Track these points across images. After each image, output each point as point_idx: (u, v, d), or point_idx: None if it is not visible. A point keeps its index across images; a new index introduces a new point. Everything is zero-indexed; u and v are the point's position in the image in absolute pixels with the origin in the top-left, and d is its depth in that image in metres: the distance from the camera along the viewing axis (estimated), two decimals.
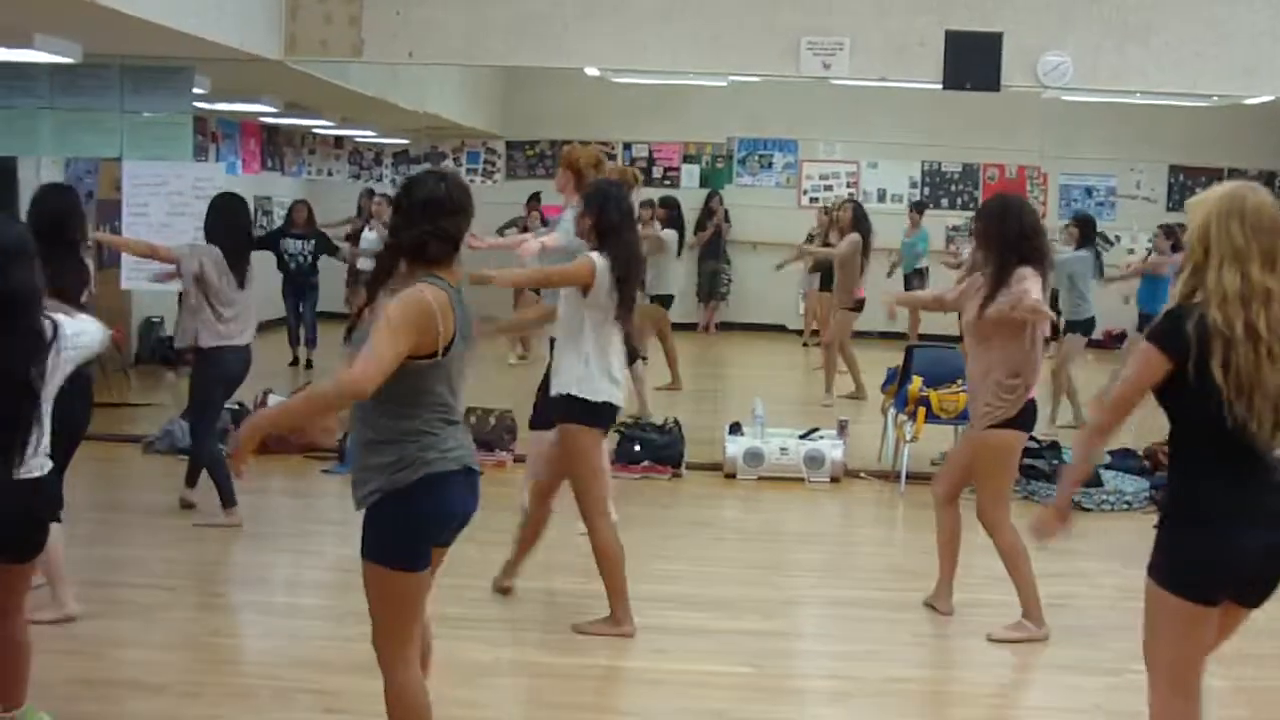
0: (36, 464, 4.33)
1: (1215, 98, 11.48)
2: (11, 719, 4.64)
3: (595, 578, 6.76)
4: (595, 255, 5.98)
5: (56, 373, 4.37)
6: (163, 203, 9.44)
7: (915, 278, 17.09)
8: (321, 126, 16.16)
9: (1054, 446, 9.56)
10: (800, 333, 17.95)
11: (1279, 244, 3.72)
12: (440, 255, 4.03)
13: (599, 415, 6.12)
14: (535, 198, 17.59)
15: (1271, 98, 10.22)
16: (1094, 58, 9.38)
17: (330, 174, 18.68)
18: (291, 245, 14.12)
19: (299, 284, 14.29)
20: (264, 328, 14.51)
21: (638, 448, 9.72)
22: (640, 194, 10.09)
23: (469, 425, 9.69)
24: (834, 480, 9.58)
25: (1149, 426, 10.86)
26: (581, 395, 6.04)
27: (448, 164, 19.05)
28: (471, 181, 18.58)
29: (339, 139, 18.48)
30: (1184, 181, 19.06)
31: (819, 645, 6.48)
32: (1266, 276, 3.70)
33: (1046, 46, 9.31)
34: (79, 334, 4.51)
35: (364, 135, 17.74)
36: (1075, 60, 9.33)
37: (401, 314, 3.90)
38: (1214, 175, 18.90)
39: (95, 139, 9.57)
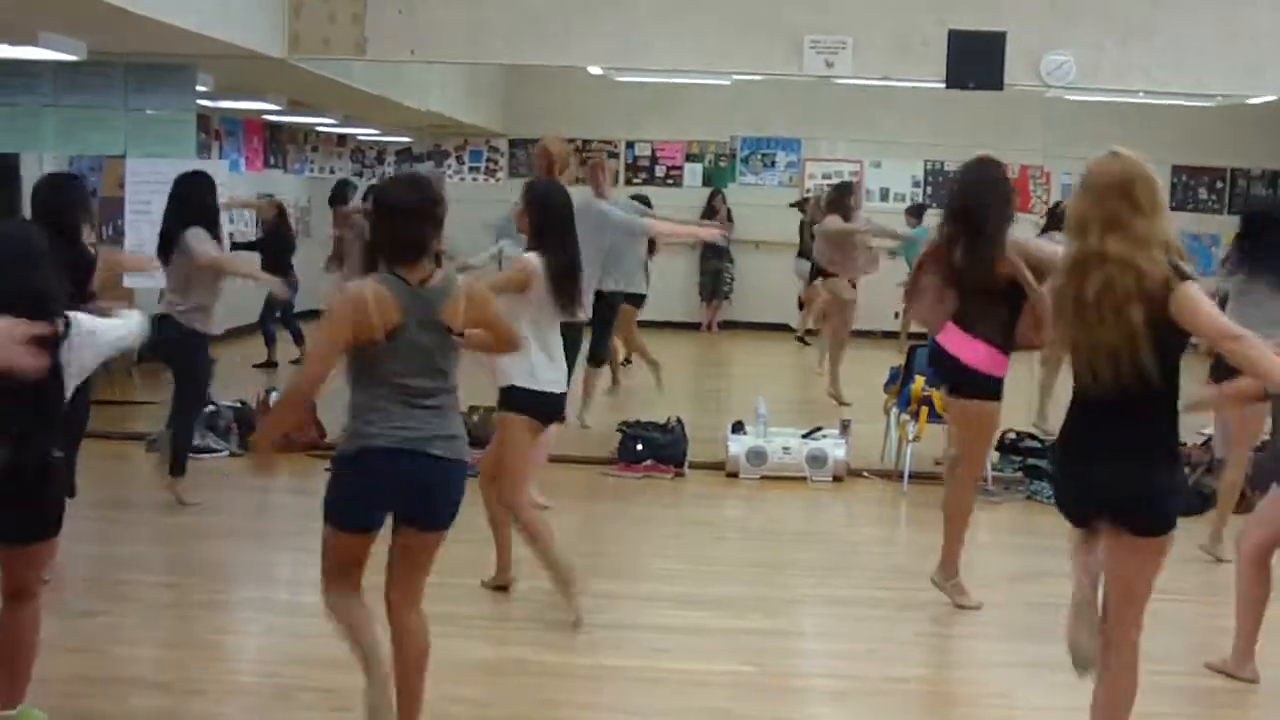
0: (54, 448, 4.50)
1: (1218, 97, 11.47)
2: (9, 717, 4.66)
3: (595, 576, 6.77)
4: (531, 256, 6.25)
5: (72, 366, 4.47)
6: (165, 200, 9.43)
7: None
8: (324, 124, 16.18)
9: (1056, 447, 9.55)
10: (790, 328, 17.92)
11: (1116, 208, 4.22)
12: (406, 256, 4.40)
13: (538, 405, 6.33)
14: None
15: (1274, 97, 10.22)
16: (1097, 57, 9.38)
17: (333, 172, 18.68)
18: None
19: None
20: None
21: (640, 447, 9.73)
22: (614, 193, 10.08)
23: (471, 423, 9.81)
24: (836, 479, 9.58)
25: None
26: (524, 386, 6.28)
27: (428, 166, 19.05)
28: (474, 180, 18.70)
29: (342, 137, 18.50)
30: (1187, 181, 19.04)
31: (820, 644, 6.48)
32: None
33: (1049, 46, 9.31)
34: (108, 330, 4.63)
35: (367, 133, 17.76)
36: (1078, 59, 9.32)
37: (333, 310, 4.43)
38: (1217, 175, 18.93)
39: (99, 136, 9.58)
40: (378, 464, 4.43)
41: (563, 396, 6.56)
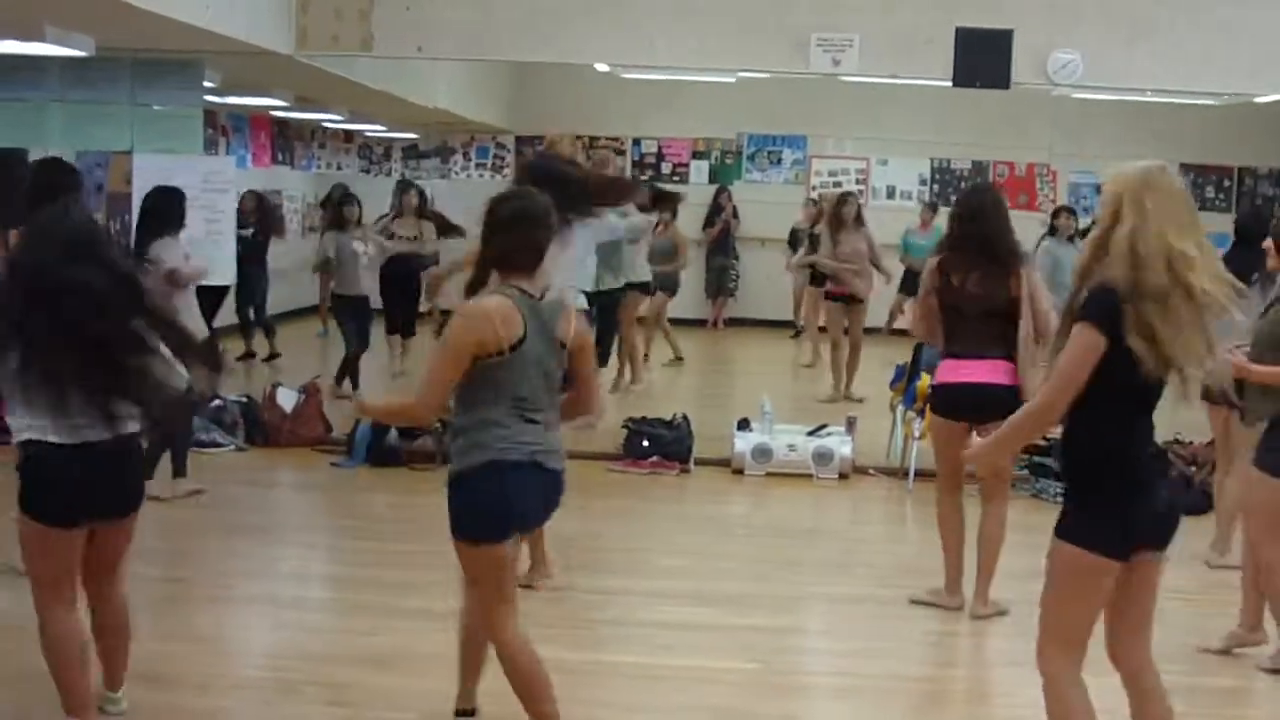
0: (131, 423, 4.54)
1: (1226, 96, 11.46)
2: (115, 700, 4.86)
3: (601, 573, 6.78)
4: None
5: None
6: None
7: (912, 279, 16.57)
8: (331, 121, 16.19)
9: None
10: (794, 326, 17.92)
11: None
12: (523, 265, 4.41)
13: None
14: None
15: None
16: (1104, 55, 9.37)
17: (340, 168, 18.70)
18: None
19: (248, 275, 13.30)
20: (284, 318, 14.59)
21: (646, 443, 9.73)
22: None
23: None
24: (842, 477, 9.58)
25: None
26: None
27: (434, 162, 19.06)
28: (480, 176, 18.71)
29: (349, 133, 18.50)
30: (1194, 180, 18.99)
31: (825, 642, 6.49)
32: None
33: (1056, 44, 9.30)
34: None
35: (373, 129, 17.76)
36: (1085, 58, 9.32)
37: (455, 332, 4.36)
38: (1224, 174, 18.91)
39: (106, 132, 9.60)
40: (512, 476, 4.40)
41: None
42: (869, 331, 13.58)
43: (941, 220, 17.37)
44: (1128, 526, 3.93)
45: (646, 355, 13.40)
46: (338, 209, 12.55)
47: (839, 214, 12.82)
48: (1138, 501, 3.95)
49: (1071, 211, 12.93)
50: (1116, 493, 3.94)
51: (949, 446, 6.51)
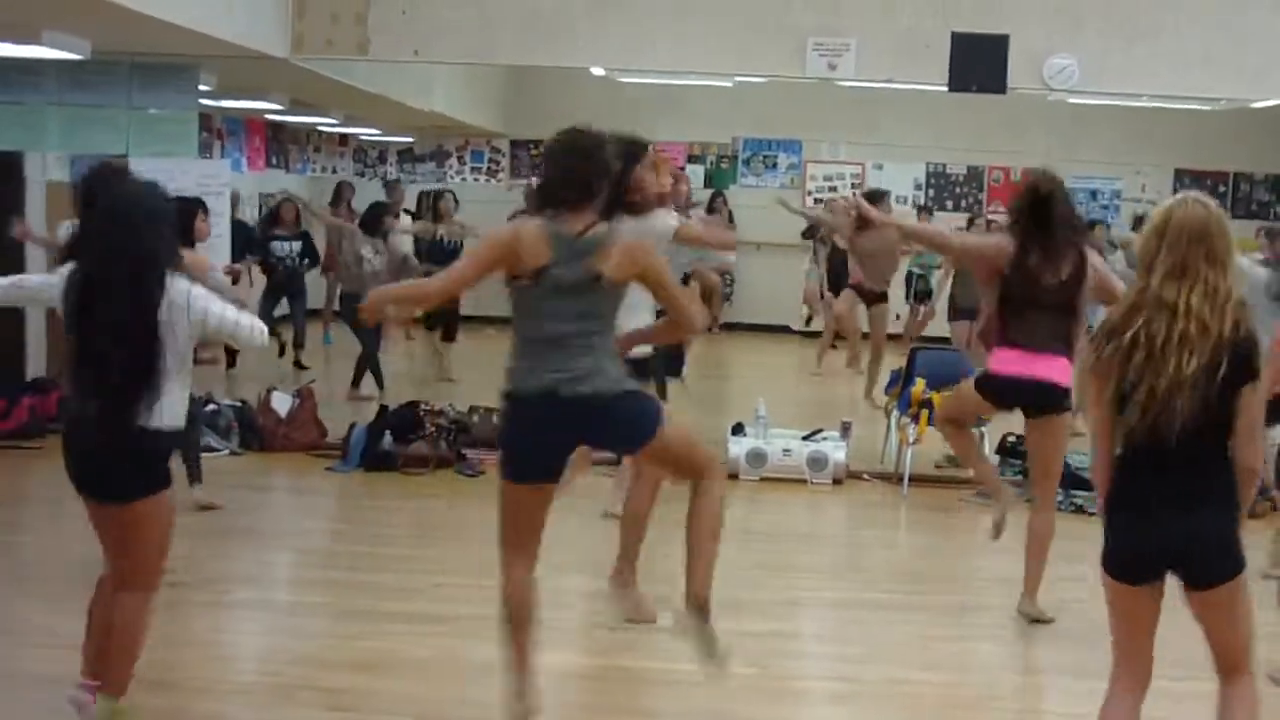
0: (155, 416, 4.49)
1: (1222, 101, 11.47)
2: (118, 710, 4.73)
3: (596, 577, 6.76)
4: None
5: (174, 328, 4.50)
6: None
7: (922, 295, 16.24)
8: (326, 124, 16.18)
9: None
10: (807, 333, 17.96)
11: (1189, 256, 3.93)
12: (567, 199, 4.47)
13: None
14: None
15: (1278, 101, 10.22)
16: (1100, 60, 9.38)
17: (334, 171, 18.68)
18: (279, 247, 13.47)
19: (288, 286, 13.65)
20: (281, 320, 14.54)
21: None
22: None
23: (472, 423, 9.83)
24: (836, 482, 9.58)
25: None
26: None
27: (430, 166, 19.08)
28: (476, 180, 18.70)
29: (344, 137, 18.49)
30: (1190, 185, 18.99)
31: (822, 646, 6.48)
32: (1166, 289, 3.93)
33: (1053, 49, 9.31)
34: (212, 307, 4.61)
35: (369, 133, 17.76)
36: (1081, 63, 9.33)
37: (483, 241, 4.65)
38: (1220, 179, 18.92)
39: (102, 135, 9.59)
40: (526, 408, 4.51)
41: None
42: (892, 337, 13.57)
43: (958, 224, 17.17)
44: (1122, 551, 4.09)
45: None
46: (378, 216, 12.60)
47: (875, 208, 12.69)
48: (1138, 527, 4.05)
49: (1106, 225, 12.84)
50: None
51: (972, 402, 6.65)
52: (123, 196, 4.68)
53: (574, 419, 4.50)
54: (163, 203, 4.70)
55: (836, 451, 9.67)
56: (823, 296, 15.36)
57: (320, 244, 14.49)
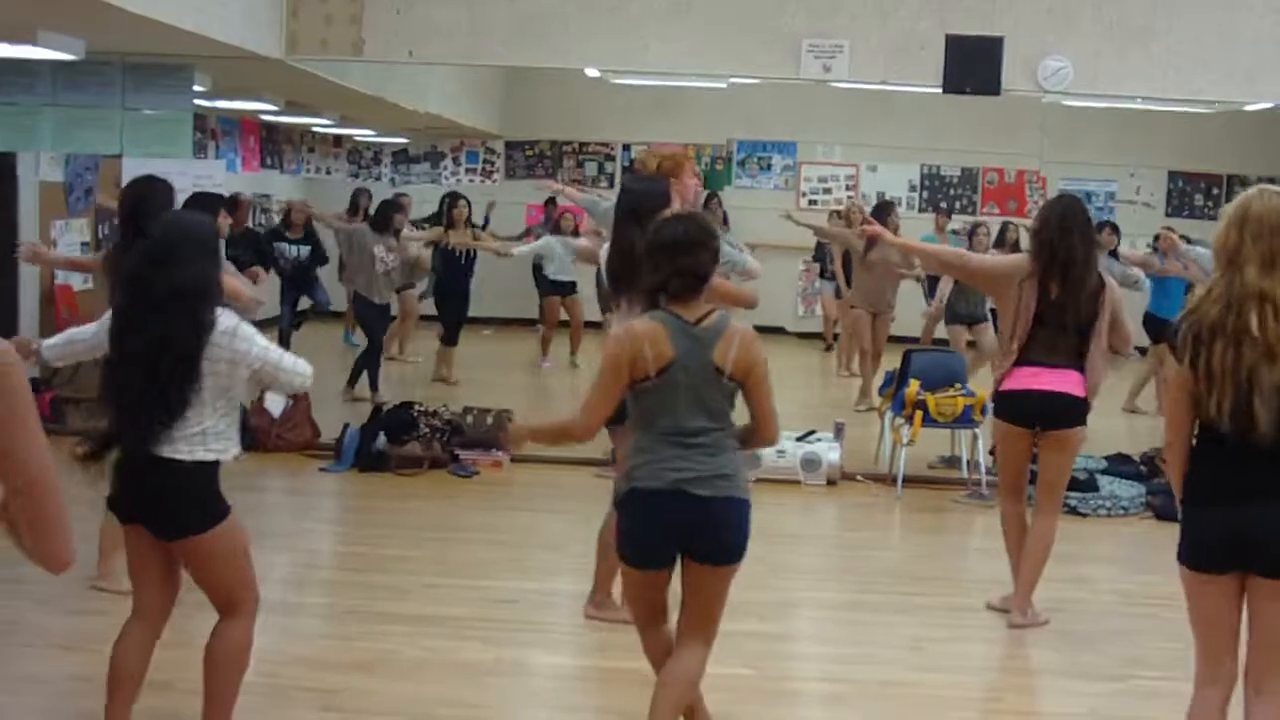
0: (200, 448, 4.45)
1: (1215, 104, 11.48)
2: None
3: (589, 578, 6.77)
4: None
5: (216, 366, 4.44)
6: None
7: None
8: (321, 125, 16.16)
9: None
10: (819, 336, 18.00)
11: (1276, 245, 3.92)
12: (681, 291, 4.44)
13: None
14: (552, 201, 17.51)
15: (1271, 104, 10.24)
16: (1094, 62, 9.39)
17: (329, 172, 18.68)
18: (286, 250, 13.46)
19: (300, 283, 13.69)
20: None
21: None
22: None
23: (466, 424, 9.83)
24: (830, 483, 9.58)
25: (1143, 432, 10.91)
26: None
27: (424, 167, 19.07)
28: (470, 181, 18.70)
29: (338, 138, 18.48)
30: (1183, 187, 19.07)
31: (815, 648, 6.49)
32: (1263, 279, 3.91)
33: (1047, 51, 9.32)
34: (258, 346, 4.54)
35: (363, 134, 17.75)
36: (1075, 65, 9.33)
37: (606, 358, 4.52)
38: (1213, 181, 18.96)
39: (96, 136, 9.57)
40: (646, 505, 4.46)
41: None
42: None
43: (925, 226, 17.34)
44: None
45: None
46: (388, 213, 12.57)
47: (883, 223, 12.60)
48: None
49: (1115, 228, 12.81)
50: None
51: (1014, 452, 6.63)
52: (176, 227, 4.66)
53: (693, 518, 4.47)
54: (212, 235, 4.72)
55: (830, 453, 9.68)
56: (839, 296, 15.30)
57: (331, 248, 14.55)
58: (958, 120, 17.48)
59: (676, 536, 4.48)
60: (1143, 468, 9.61)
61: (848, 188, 19.11)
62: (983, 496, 9.22)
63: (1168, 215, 18.19)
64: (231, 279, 5.91)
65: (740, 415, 4.60)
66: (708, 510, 4.43)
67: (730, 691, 5.60)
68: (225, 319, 4.49)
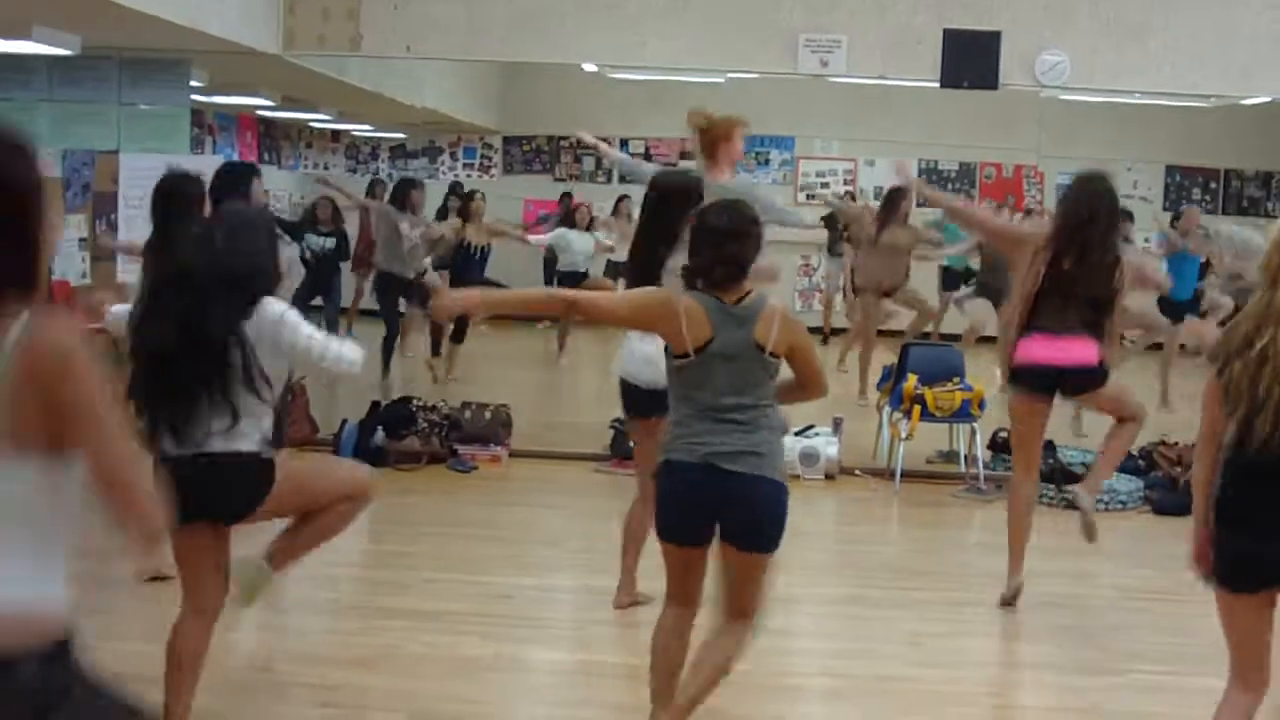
0: (219, 441, 4.41)
1: (1213, 98, 11.49)
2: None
3: (593, 573, 6.78)
4: None
5: (259, 349, 4.41)
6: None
7: (954, 276, 16.11)
8: (318, 120, 16.16)
9: (1048, 445, 9.54)
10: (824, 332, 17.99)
11: None
12: (724, 279, 4.52)
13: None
14: (567, 194, 17.48)
15: (1269, 99, 10.24)
16: (1092, 57, 9.39)
17: (326, 167, 18.68)
18: (313, 241, 13.48)
19: (321, 279, 13.58)
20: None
21: (632, 443, 9.71)
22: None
23: (464, 419, 9.83)
24: (828, 478, 9.59)
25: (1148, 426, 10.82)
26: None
27: (422, 162, 19.09)
28: (468, 176, 18.69)
29: (335, 133, 18.48)
30: (1180, 182, 19.07)
31: (813, 643, 6.48)
32: None
33: (1044, 46, 9.32)
34: (302, 332, 4.49)
35: (361, 129, 17.74)
36: (1073, 60, 9.33)
37: (645, 292, 4.79)
38: (1211, 176, 18.97)
39: (92, 131, 9.57)
40: (676, 477, 4.53)
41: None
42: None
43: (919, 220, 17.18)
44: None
45: None
46: (406, 191, 12.56)
47: (896, 207, 12.57)
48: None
49: (1129, 215, 12.82)
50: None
51: (1032, 427, 6.65)
52: (238, 214, 4.70)
53: (722, 494, 4.49)
54: (271, 222, 4.76)
55: (828, 447, 9.68)
56: (846, 297, 15.31)
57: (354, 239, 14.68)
58: (955, 115, 17.47)
59: (706, 510, 4.51)
60: (1141, 462, 9.61)
61: (846, 182, 19.11)
62: (981, 491, 9.22)
63: (1165, 210, 18.17)
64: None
65: None
66: (736, 486, 4.46)
67: (728, 687, 5.59)
68: (272, 305, 4.46)
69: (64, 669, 2.34)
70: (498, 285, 13.29)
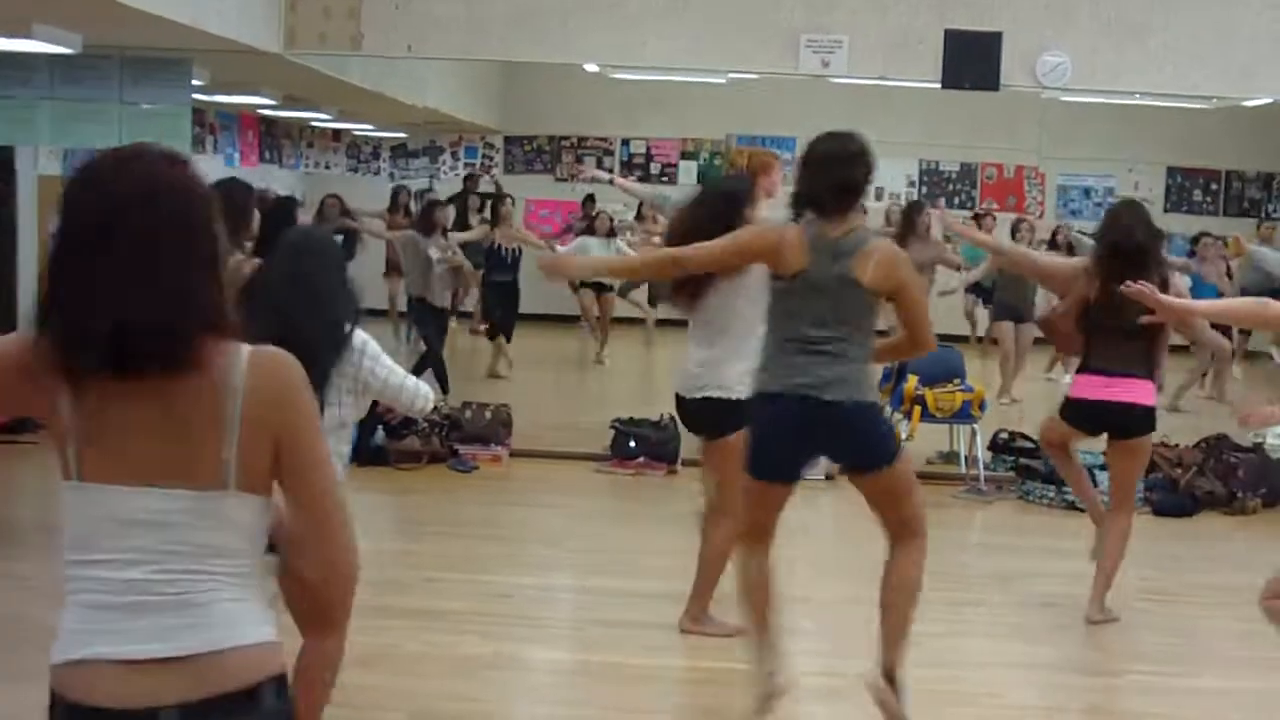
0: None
1: (1214, 99, 11.49)
2: None
3: (588, 573, 6.78)
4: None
5: (342, 383, 4.34)
6: None
7: (974, 290, 15.81)
8: (319, 119, 16.16)
9: None
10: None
11: None
12: (830, 205, 4.51)
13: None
14: (590, 199, 17.51)
15: (1270, 100, 10.25)
16: (1092, 58, 9.39)
17: (328, 167, 18.68)
18: None
19: None
20: None
21: (633, 444, 9.73)
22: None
23: (464, 419, 9.83)
24: (828, 478, 9.57)
25: (1174, 430, 10.81)
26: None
27: (423, 162, 19.11)
28: (468, 177, 18.70)
29: (337, 132, 18.48)
30: (1181, 183, 19.07)
31: (812, 642, 6.48)
32: None
33: (1045, 46, 9.32)
34: (382, 368, 4.43)
35: (362, 129, 17.75)
36: (1074, 60, 9.33)
37: (749, 229, 4.83)
38: (1211, 177, 18.96)
39: (94, 129, 9.56)
40: (768, 409, 4.54)
41: (699, 403, 5.82)
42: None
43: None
44: None
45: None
46: (431, 213, 12.53)
47: (912, 222, 12.47)
48: None
49: (1163, 234, 12.83)
50: None
51: (1067, 431, 6.68)
52: (307, 251, 4.48)
53: (817, 425, 4.50)
54: (339, 251, 4.70)
55: None
56: None
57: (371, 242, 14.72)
58: (957, 116, 17.47)
59: (799, 441, 4.55)
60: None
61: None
62: (981, 492, 9.22)
63: (1166, 211, 18.18)
64: None
65: None
66: (830, 414, 4.47)
67: (727, 686, 5.61)
68: (358, 336, 4.38)
69: (288, 697, 2.41)
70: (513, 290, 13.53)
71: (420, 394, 4.54)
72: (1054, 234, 14.26)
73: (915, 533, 4.72)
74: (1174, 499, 8.73)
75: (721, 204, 5.67)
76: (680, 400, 5.94)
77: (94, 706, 2.25)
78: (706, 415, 5.75)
